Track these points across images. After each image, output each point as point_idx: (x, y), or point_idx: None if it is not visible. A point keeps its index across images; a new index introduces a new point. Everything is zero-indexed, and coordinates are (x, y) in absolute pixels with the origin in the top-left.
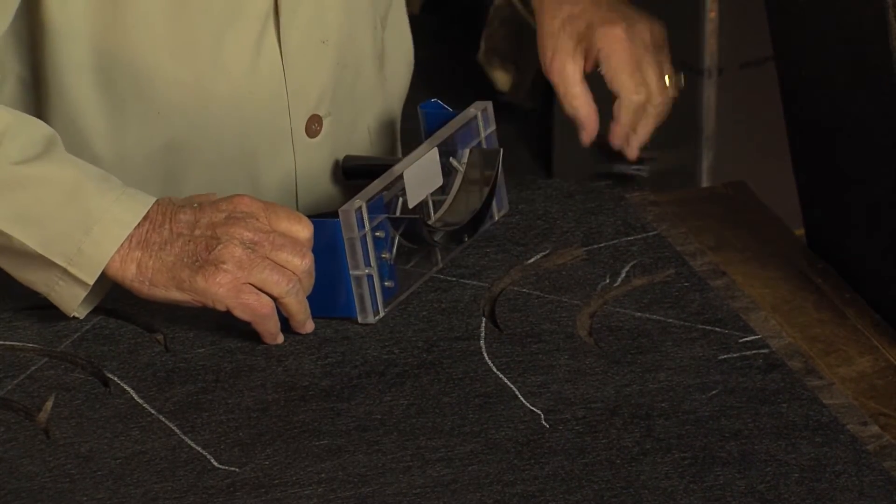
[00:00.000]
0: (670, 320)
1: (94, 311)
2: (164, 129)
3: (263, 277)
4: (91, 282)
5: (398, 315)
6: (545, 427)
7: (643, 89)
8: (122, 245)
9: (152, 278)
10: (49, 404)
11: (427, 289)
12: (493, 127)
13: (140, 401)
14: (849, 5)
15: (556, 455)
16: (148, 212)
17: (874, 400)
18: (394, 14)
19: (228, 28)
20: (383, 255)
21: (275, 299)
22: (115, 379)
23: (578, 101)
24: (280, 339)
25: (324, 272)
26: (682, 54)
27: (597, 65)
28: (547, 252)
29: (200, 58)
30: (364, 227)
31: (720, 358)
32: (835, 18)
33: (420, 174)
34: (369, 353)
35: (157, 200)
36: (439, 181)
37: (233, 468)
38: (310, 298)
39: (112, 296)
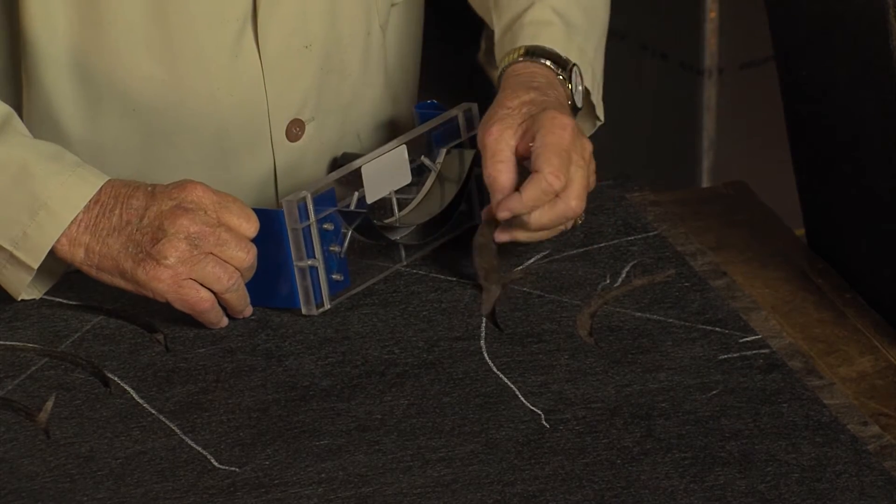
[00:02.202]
0: (671, 320)
1: (95, 311)
2: (141, 126)
3: (205, 273)
4: (35, 266)
5: (398, 315)
6: (545, 427)
7: (564, 179)
8: (68, 229)
9: (99, 263)
10: (49, 404)
11: (427, 289)
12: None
13: (140, 401)
14: (849, 5)
15: (556, 455)
16: (98, 194)
17: (874, 400)
18: (398, 20)
19: (206, 29)
20: (332, 248)
21: (215, 294)
22: (116, 379)
23: (503, 165)
24: (224, 322)
25: (269, 262)
26: (682, 54)
27: (529, 144)
28: (547, 252)
29: (178, 57)
30: (308, 218)
31: (720, 358)
32: (835, 19)
33: (382, 171)
34: (370, 352)
35: (109, 181)
36: (406, 179)
37: (233, 468)
38: (254, 287)
39: (112, 296)
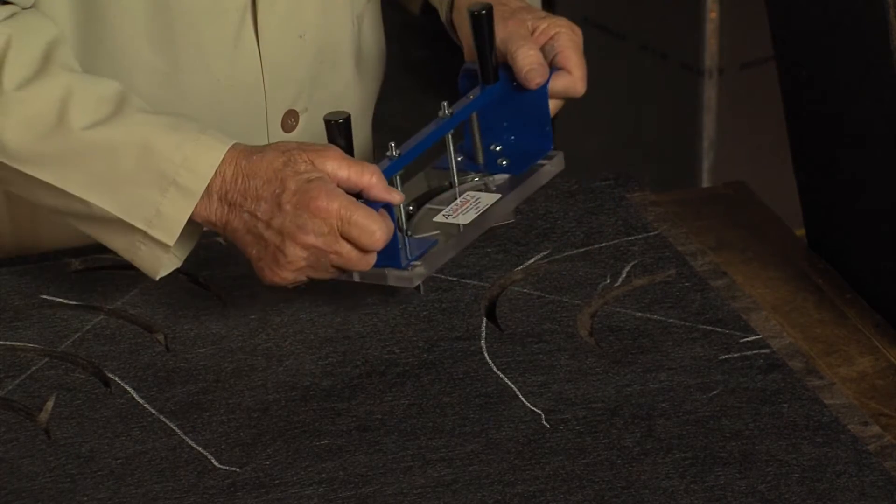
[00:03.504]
0: (671, 320)
1: (95, 311)
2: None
3: (322, 274)
4: (171, 243)
5: (399, 315)
6: (546, 427)
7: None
8: (200, 200)
9: (226, 232)
10: (50, 404)
11: (427, 289)
12: (557, 169)
13: (141, 401)
14: (849, 5)
15: (556, 455)
16: (223, 163)
17: (875, 400)
18: (370, 12)
19: (207, 19)
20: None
21: None
22: (116, 379)
23: (536, 50)
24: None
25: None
26: (682, 54)
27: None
28: (548, 252)
29: (180, 49)
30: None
31: (721, 358)
32: (835, 19)
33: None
34: (370, 352)
35: (232, 146)
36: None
37: (233, 468)
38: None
39: (113, 296)
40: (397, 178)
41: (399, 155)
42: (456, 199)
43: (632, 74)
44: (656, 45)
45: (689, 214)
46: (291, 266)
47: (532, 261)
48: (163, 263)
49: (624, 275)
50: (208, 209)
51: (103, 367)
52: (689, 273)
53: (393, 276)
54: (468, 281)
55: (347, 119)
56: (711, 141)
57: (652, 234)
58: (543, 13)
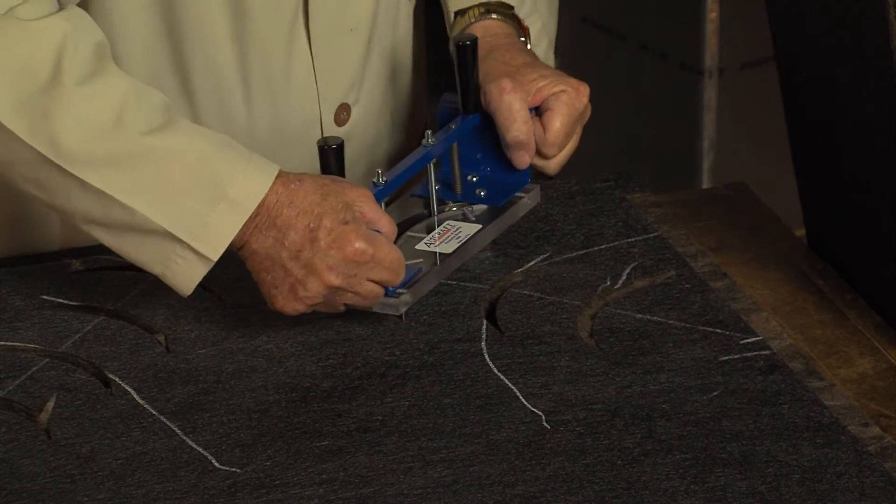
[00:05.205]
0: (671, 322)
1: (96, 312)
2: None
3: (325, 311)
4: (215, 258)
5: (399, 318)
6: (546, 428)
7: (559, 150)
8: (247, 219)
9: (242, 250)
10: (50, 405)
11: (428, 291)
12: (534, 202)
13: (141, 401)
14: (849, 5)
15: (557, 456)
16: (274, 185)
17: (875, 401)
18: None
19: (266, 15)
20: None
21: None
22: (117, 380)
23: (527, 126)
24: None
25: None
26: (682, 54)
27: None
28: (548, 254)
29: (247, 47)
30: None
31: (721, 359)
32: (835, 19)
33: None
34: (370, 354)
35: (279, 173)
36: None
37: (234, 469)
38: None
39: (113, 296)
40: (382, 204)
41: (385, 182)
42: (435, 227)
43: (632, 74)
44: (656, 45)
45: (689, 215)
46: (309, 300)
47: (532, 263)
48: (196, 281)
49: (624, 276)
50: (248, 230)
51: (104, 367)
52: (689, 274)
53: (379, 304)
54: (468, 284)
55: (341, 145)
56: (711, 141)
57: (652, 235)
58: (548, 70)
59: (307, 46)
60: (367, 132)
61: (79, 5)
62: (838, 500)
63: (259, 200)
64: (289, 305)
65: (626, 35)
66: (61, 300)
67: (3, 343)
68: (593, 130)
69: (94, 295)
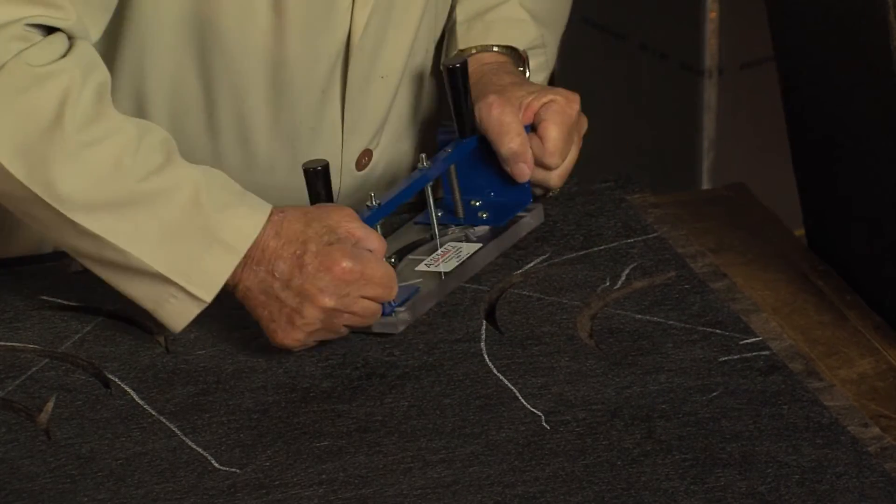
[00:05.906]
0: (671, 322)
1: (95, 313)
2: (216, 150)
3: (326, 337)
4: (209, 299)
5: None
6: (546, 429)
7: (561, 160)
8: (241, 260)
9: (237, 290)
10: (50, 405)
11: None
12: (537, 222)
13: (141, 402)
14: (849, 5)
15: (556, 456)
16: (266, 224)
17: (875, 402)
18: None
19: (303, 65)
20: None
21: None
22: (116, 380)
23: (521, 137)
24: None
25: None
26: (682, 54)
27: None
28: (547, 255)
29: (282, 94)
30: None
31: (721, 360)
32: (835, 19)
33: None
34: (370, 354)
35: (272, 211)
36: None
37: (233, 469)
38: None
39: (113, 297)
40: (378, 227)
41: (379, 205)
42: (437, 249)
43: (632, 74)
44: (656, 45)
45: (688, 216)
46: (307, 328)
47: (532, 264)
48: (190, 317)
49: (624, 277)
50: (241, 269)
51: (103, 368)
52: (688, 275)
53: (378, 323)
54: (467, 285)
55: (326, 167)
56: (711, 141)
57: (651, 235)
58: (535, 86)
59: (340, 95)
60: (384, 173)
61: (112, 41)
62: (838, 501)
63: (252, 241)
64: (289, 337)
65: (625, 35)
66: (61, 301)
67: (2, 343)
68: (593, 131)
69: (93, 295)
